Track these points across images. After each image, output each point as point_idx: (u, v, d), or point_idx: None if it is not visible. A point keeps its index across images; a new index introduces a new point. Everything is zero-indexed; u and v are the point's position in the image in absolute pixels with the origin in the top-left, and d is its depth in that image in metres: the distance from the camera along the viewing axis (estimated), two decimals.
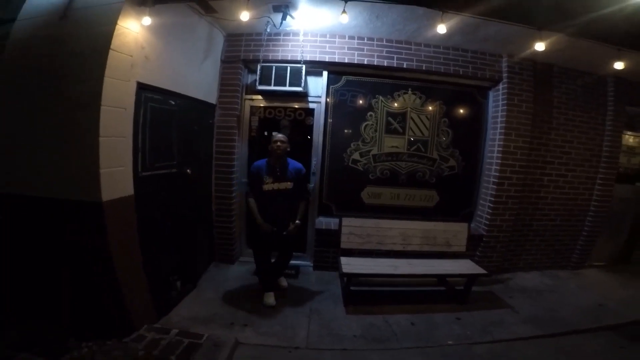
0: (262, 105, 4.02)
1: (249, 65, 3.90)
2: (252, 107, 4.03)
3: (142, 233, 2.51)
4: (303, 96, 3.93)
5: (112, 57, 2.13)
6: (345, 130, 4.02)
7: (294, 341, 2.67)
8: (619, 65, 3.39)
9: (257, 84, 3.71)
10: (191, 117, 3.32)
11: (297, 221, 3.22)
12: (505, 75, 3.89)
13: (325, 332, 2.82)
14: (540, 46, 3.04)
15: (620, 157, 4.44)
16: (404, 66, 3.79)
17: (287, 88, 3.66)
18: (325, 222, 3.96)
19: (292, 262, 4.05)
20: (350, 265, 3.31)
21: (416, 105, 4.06)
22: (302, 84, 3.66)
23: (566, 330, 3.00)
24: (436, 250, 3.71)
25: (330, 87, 3.95)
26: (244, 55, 3.79)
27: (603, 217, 4.39)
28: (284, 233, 3.17)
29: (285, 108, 4.01)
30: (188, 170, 3.22)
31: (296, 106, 4.00)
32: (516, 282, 4.02)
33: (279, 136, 3.17)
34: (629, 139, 4.63)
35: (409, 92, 4.04)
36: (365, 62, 3.77)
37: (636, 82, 4.23)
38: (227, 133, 3.84)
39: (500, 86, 3.95)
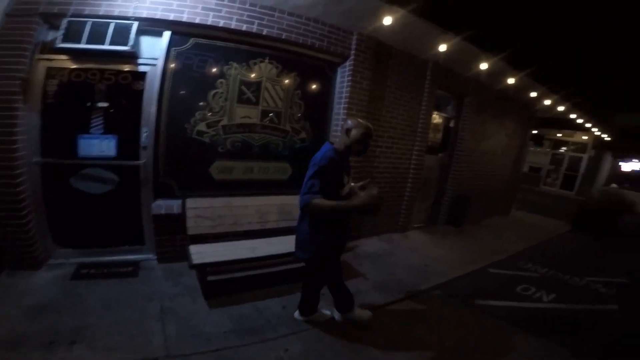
0: (66, 67, 2.98)
1: (52, 19, 2.87)
2: (49, 68, 2.94)
3: None
4: (130, 57, 3.12)
5: None
6: (189, 98, 3.42)
7: (149, 350, 2.22)
8: (442, 47, 4.05)
9: (59, 41, 2.76)
10: None
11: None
12: (353, 52, 4.08)
13: (187, 333, 2.44)
14: (387, 20, 3.35)
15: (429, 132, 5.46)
16: (264, 33, 3.49)
17: (108, 47, 2.87)
18: (165, 206, 3.37)
19: (129, 257, 3.40)
20: (202, 253, 2.93)
21: (272, 75, 3.81)
22: (131, 43, 2.90)
23: (410, 293, 3.44)
24: (294, 225, 3.69)
25: (173, 49, 3.28)
26: (44, 8, 2.80)
27: (418, 183, 5.39)
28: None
29: (103, 70, 3.08)
30: None
31: (120, 68, 3.13)
32: (362, 249, 4.48)
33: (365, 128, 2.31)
34: (435, 117, 5.74)
35: (266, 60, 3.75)
36: (221, 25, 3.28)
37: (446, 69, 5.21)
38: (3, 101, 2.69)
39: (347, 63, 4.14)
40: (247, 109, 3.71)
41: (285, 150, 4.06)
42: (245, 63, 3.63)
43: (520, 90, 6.41)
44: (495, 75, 5.44)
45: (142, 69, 3.20)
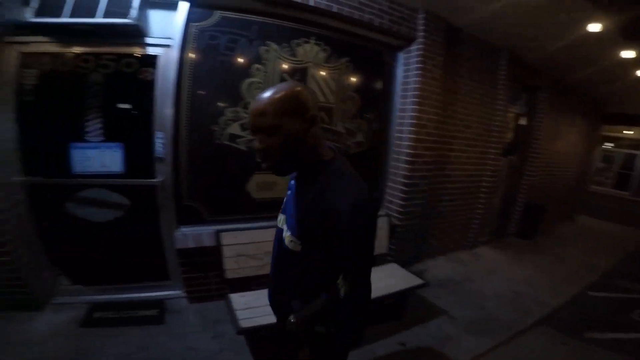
0: (47, 51, 2.16)
1: None
2: (24, 54, 2.12)
3: None
4: (135, 35, 2.27)
5: None
6: (217, 91, 2.55)
7: None
8: (595, 27, 3.09)
9: (31, 14, 1.95)
10: None
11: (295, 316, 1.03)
12: (421, 34, 3.16)
13: None
14: None
15: None
16: (311, 3, 2.60)
17: (101, 20, 2.01)
18: (193, 236, 2.52)
19: (152, 294, 2.63)
20: (251, 310, 2.05)
21: (319, 60, 2.91)
22: (134, 15, 2.06)
23: (511, 334, 2.69)
24: None
25: (192, 25, 2.40)
26: None
27: (494, 192, 4.41)
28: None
29: (99, 54, 2.24)
30: None
31: (121, 51, 2.29)
32: (432, 274, 3.58)
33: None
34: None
35: (312, 41, 2.85)
36: None
37: (522, 59, 4.26)
38: None
39: (413, 47, 3.21)
40: None
41: None
42: (286, 44, 2.74)
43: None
44: (580, 60, 4.34)
45: (152, 51, 2.33)
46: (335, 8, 2.71)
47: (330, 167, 0.97)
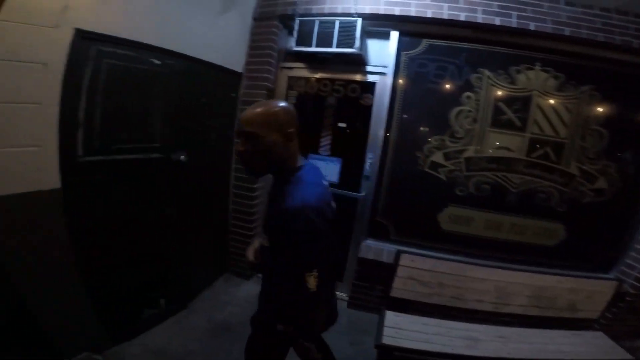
0: (302, 76, 2.91)
1: (287, 22, 2.81)
2: (289, 78, 2.94)
3: (84, 241, 1.72)
4: (358, 63, 2.72)
5: None
6: (424, 118, 2.65)
7: None
8: None
9: (294, 44, 2.64)
10: (197, 86, 2.36)
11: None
12: None
13: None
14: None
15: None
16: (531, 28, 2.35)
17: (334, 49, 2.53)
18: (375, 249, 2.70)
19: None
20: (397, 330, 2.08)
21: (548, 88, 2.50)
22: (357, 45, 2.48)
23: None
24: (549, 315, 2.29)
25: (403, 53, 2.62)
26: (280, 10, 2.74)
27: None
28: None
29: (333, 80, 2.83)
30: (182, 157, 2.25)
31: (348, 78, 2.79)
32: None
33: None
34: None
35: (537, 67, 2.50)
36: (462, 19, 2.40)
37: None
38: None
39: None
40: (505, 136, 2.55)
41: (561, 205, 2.56)
42: (502, 70, 2.51)
43: None
44: None
45: (370, 78, 2.73)
46: (567, 32, 2.31)
47: (296, 175, 1.10)
